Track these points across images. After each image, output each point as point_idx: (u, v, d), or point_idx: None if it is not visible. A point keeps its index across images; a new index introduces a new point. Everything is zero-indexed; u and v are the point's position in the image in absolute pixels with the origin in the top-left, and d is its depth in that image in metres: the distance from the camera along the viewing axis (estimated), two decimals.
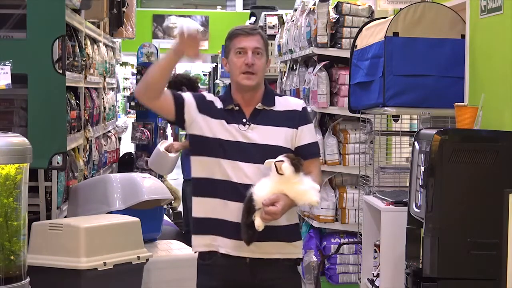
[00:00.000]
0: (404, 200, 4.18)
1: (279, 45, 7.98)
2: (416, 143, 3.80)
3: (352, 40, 5.58)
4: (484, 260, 3.47)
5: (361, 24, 5.75)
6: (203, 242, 3.16)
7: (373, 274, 4.74)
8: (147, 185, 5.10)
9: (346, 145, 6.07)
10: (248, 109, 3.17)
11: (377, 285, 4.53)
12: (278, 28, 8.49)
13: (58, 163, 4.66)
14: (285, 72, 7.71)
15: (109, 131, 7.81)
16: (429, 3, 4.95)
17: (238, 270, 3.12)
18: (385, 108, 4.66)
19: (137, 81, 11.43)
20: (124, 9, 8.34)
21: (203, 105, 3.16)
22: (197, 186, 3.19)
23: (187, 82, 5.69)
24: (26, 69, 4.37)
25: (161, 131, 10.85)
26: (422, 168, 3.65)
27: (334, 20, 6.12)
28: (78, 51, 5.58)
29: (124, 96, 19.08)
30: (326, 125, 6.30)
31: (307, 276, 6.12)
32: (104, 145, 7.33)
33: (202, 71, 22.22)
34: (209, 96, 3.24)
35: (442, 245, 3.51)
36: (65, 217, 5.17)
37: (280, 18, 8.59)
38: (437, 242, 3.51)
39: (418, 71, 4.62)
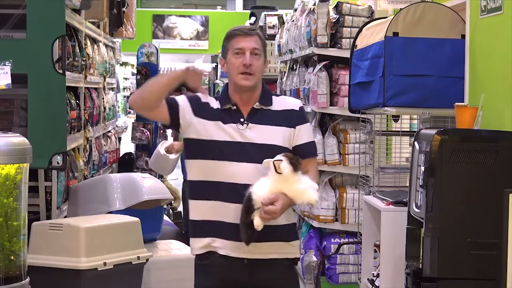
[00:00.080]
0: (404, 200, 4.18)
1: (279, 45, 7.98)
2: (416, 143, 3.80)
3: (352, 40, 5.58)
4: (484, 260, 3.47)
5: (361, 24, 5.75)
6: (201, 245, 3.15)
7: (373, 274, 4.74)
8: (147, 185, 5.10)
9: (346, 145, 6.08)
10: (246, 108, 3.16)
11: (377, 285, 4.53)
12: (278, 28, 8.49)
13: (58, 163, 4.66)
14: (285, 72, 7.71)
15: (109, 131, 7.81)
16: (429, 3, 4.95)
17: (236, 270, 3.12)
18: (385, 108, 4.66)
19: (137, 81, 11.44)
20: (124, 9, 8.34)
21: (198, 108, 3.15)
22: (195, 189, 3.18)
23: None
24: (26, 69, 4.37)
25: (161, 131, 10.85)
26: (422, 168, 3.65)
27: (334, 20, 6.13)
28: (78, 51, 5.58)
29: (124, 96, 19.08)
30: (326, 125, 6.30)
31: (307, 276, 6.12)
32: (104, 145, 7.33)
33: None
34: (204, 97, 3.23)
35: (442, 245, 3.52)
36: (65, 217, 5.17)
37: (280, 18, 8.59)
38: (437, 242, 3.52)
39: (418, 71, 4.62)
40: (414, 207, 3.76)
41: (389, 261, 4.27)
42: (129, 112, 17.91)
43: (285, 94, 7.22)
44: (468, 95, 4.55)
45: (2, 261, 3.38)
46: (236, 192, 3.04)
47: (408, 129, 5.65)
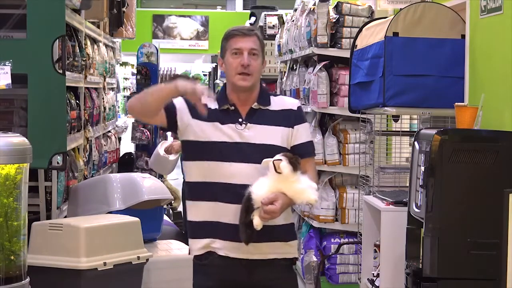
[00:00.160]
0: (404, 200, 4.18)
1: (279, 45, 7.98)
2: (416, 143, 3.80)
3: (352, 40, 5.58)
4: (484, 260, 3.47)
5: (361, 24, 5.75)
6: (200, 246, 3.15)
7: (373, 274, 4.74)
8: (147, 185, 5.10)
9: (346, 145, 6.08)
10: (244, 108, 3.16)
11: (377, 285, 4.53)
12: (278, 28, 8.49)
13: (58, 163, 4.66)
14: (285, 72, 7.71)
15: (109, 131, 7.81)
16: (429, 3, 4.95)
17: (235, 270, 3.12)
18: (385, 108, 4.66)
19: (137, 81, 11.44)
20: (124, 9, 8.34)
21: (196, 109, 3.13)
22: (193, 190, 3.17)
23: None
24: (26, 69, 4.37)
25: (161, 131, 10.85)
26: (422, 168, 3.65)
27: (334, 20, 6.13)
28: (78, 51, 5.58)
29: (124, 96, 19.06)
30: (326, 125, 6.30)
31: (307, 276, 6.12)
32: (104, 145, 7.33)
33: (202, 71, 22.22)
34: (203, 99, 3.22)
35: (442, 245, 3.52)
36: (65, 217, 5.17)
37: (280, 18, 8.59)
38: (437, 242, 3.52)
39: (418, 71, 4.62)
40: (414, 207, 3.76)
41: (389, 261, 4.27)
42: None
43: (285, 94, 7.23)
44: (468, 95, 4.55)
45: (2, 261, 3.38)
46: (235, 193, 3.04)
47: (408, 129, 5.65)
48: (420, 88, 4.62)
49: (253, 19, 10.68)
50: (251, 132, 3.12)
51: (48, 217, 4.88)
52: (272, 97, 3.23)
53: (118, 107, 14.23)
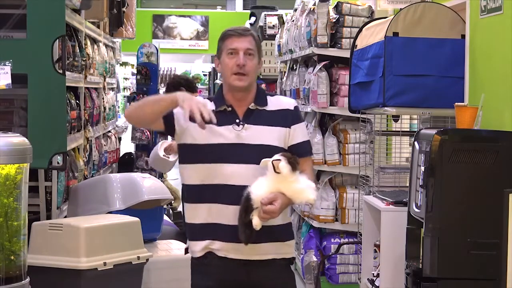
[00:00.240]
0: (404, 200, 4.18)
1: (279, 45, 7.98)
2: (416, 143, 3.80)
3: (352, 40, 5.58)
4: (484, 260, 3.47)
5: (361, 24, 5.75)
6: (200, 248, 3.15)
7: (373, 274, 4.74)
8: (147, 185, 5.10)
9: (346, 145, 6.08)
10: (241, 109, 3.16)
11: (377, 285, 4.53)
12: (278, 28, 8.49)
13: (58, 163, 4.66)
14: (285, 72, 7.71)
15: (109, 131, 7.81)
16: (429, 3, 4.95)
17: (234, 270, 3.12)
18: (385, 108, 4.66)
19: (137, 81, 11.44)
20: (124, 9, 8.34)
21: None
22: (191, 193, 3.17)
23: (186, 83, 5.68)
24: (26, 69, 4.37)
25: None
26: (422, 168, 3.65)
27: (334, 20, 6.13)
28: (78, 51, 5.58)
29: (124, 96, 19.07)
30: (326, 125, 6.30)
31: (307, 276, 6.13)
32: (104, 145, 7.33)
33: (202, 71, 22.23)
34: (199, 99, 3.22)
35: (442, 245, 3.52)
36: (65, 217, 5.17)
37: (280, 18, 8.59)
38: (437, 242, 3.52)
39: (418, 71, 4.62)
40: (414, 207, 3.76)
41: (389, 261, 4.27)
42: None
43: (285, 94, 7.23)
44: (468, 95, 4.55)
45: (2, 261, 3.38)
46: (233, 194, 3.04)
47: (408, 129, 5.65)
48: (420, 88, 4.62)
49: (253, 19, 10.69)
50: (249, 132, 3.11)
51: (48, 217, 4.88)
52: (268, 97, 3.23)
53: (118, 107, 14.23)
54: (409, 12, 4.67)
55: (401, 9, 4.87)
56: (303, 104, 6.47)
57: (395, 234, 4.12)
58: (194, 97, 3.05)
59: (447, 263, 3.52)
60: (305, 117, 6.68)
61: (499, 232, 3.04)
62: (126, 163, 9.24)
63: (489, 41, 4.33)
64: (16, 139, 3.44)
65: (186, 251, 3.30)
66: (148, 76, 11.19)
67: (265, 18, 9.74)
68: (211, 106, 3.15)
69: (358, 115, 5.39)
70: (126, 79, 20.71)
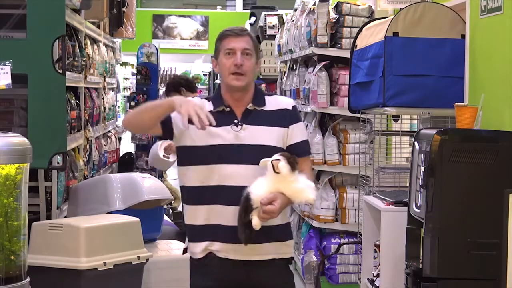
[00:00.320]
0: (404, 200, 4.18)
1: (279, 45, 7.98)
2: (416, 143, 3.80)
3: (352, 40, 5.58)
4: (484, 260, 3.47)
5: (361, 24, 5.75)
6: (201, 249, 3.15)
7: (373, 274, 4.74)
8: (147, 185, 5.10)
9: (346, 145, 6.08)
10: (239, 109, 3.16)
11: (377, 285, 4.53)
12: (278, 28, 8.49)
13: (58, 163, 4.66)
14: (285, 72, 7.71)
15: (109, 131, 7.81)
16: (429, 3, 4.95)
17: (234, 270, 3.12)
18: (385, 108, 4.66)
19: (137, 81, 11.44)
20: (124, 9, 8.34)
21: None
22: (191, 195, 3.16)
23: (185, 83, 5.69)
24: (26, 69, 4.37)
25: None
26: (422, 168, 3.65)
27: (334, 20, 6.13)
28: (78, 51, 5.58)
29: (124, 96, 19.07)
30: (326, 125, 6.30)
31: (307, 276, 6.13)
32: (104, 145, 7.33)
33: (202, 71, 22.23)
34: (196, 101, 3.22)
35: (442, 245, 3.52)
36: (65, 217, 5.17)
37: (280, 18, 8.59)
38: (437, 242, 3.52)
39: (418, 71, 4.62)
40: (414, 207, 3.76)
41: (389, 261, 4.27)
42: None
43: (285, 94, 7.23)
44: (468, 95, 4.55)
45: (2, 261, 3.38)
46: (232, 195, 3.04)
47: (408, 129, 5.66)
48: (420, 88, 4.62)
49: (253, 19, 10.68)
50: (247, 133, 3.11)
51: (48, 217, 4.89)
52: (266, 97, 3.23)
53: (118, 107, 14.24)
54: (409, 12, 4.67)
55: (401, 9, 4.87)
56: (303, 104, 6.47)
57: (395, 234, 4.12)
58: (190, 100, 3.05)
59: (447, 263, 3.52)
60: (305, 117, 6.68)
61: (499, 232, 3.04)
62: (126, 163, 9.24)
63: (489, 41, 4.33)
64: (16, 139, 3.44)
65: (184, 251, 3.30)
66: (148, 76, 11.20)
67: (265, 18, 9.74)
68: (209, 106, 3.15)
69: (358, 115, 5.39)
70: (126, 79, 20.71)
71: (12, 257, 3.41)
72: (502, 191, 3.04)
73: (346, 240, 6.07)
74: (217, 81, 14.27)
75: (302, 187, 3.02)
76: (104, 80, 7.16)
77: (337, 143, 6.14)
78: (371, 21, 5.42)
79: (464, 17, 4.64)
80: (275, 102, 3.22)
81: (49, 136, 4.46)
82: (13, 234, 3.41)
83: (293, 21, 7.08)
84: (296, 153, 3.11)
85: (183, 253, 3.29)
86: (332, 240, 6.18)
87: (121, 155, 9.18)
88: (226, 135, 3.10)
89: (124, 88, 19.80)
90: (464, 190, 3.55)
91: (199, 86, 19.24)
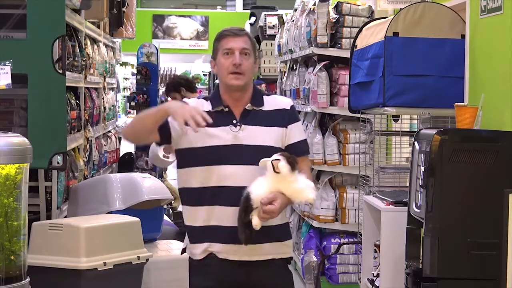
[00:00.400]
0: (404, 200, 4.18)
1: (279, 45, 7.98)
2: (416, 143, 3.80)
3: (352, 40, 5.58)
4: (484, 260, 3.47)
5: (361, 24, 5.75)
6: (201, 250, 3.15)
7: (373, 274, 4.74)
8: (147, 185, 5.10)
9: (346, 145, 6.08)
10: (238, 110, 3.16)
11: (377, 285, 4.53)
12: (278, 28, 8.49)
13: (58, 163, 4.66)
14: (285, 72, 7.71)
15: (109, 131, 7.80)
16: (429, 3, 4.95)
17: (234, 271, 3.13)
18: (385, 108, 4.66)
19: (137, 81, 11.43)
20: (124, 9, 8.33)
21: None
22: (190, 196, 3.16)
23: (185, 83, 5.70)
24: (26, 69, 4.37)
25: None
26: (422, 168, 3.65)
27: (334, 20, 6.13)
28: (78, 51, 5.58)
29: (124, 96, 19.07)
30: (326, 125, 6.30)
31: (307, 276, 6.13)
32: (104, 145, 7.33)
33: (202, 71, 22.23)
34: (193, 102, 3.22)
35: (442, 245, 3.52)
36: (65, 217, 5.17)
37: (280, 18, 8.59)
38: (437, 242, 3.52)
39: (418, 71, 4.62)
40: (414, 207, 3.76)
41: (389, 261, 4.27)
42: (129, 112, 17.90)
43: (285, 94, 7.23)
44: (468, 95, 4.55)
45: (2, 261, 3.38)
46: (232, 195, 3.04)
47: (408, 129, 5.66)
48: (420, 88, 4.62)
49: (253, 19, 10.68)
50: (246, 133, 3.11)
51: (48, 217, 4.88)
52: (265, 97, 3.23)
53: (118, 107, 14.24)
54: (409, 12, 4.67)
55: (401, 9, 4.87)
56: (303, 104, 6.47)
57: (395, 234, 4.12)
58: (185, 104, 3.06)
59: (447, 263, 3.52)
60: (305, 117, 6.68)
61: (499, 232, 3.04)
62: (126, 163, 9.23)
63: (489, 41, 4.33)
64: (16, 139, 3.44)
65: (183, 251, 3.30)
66: (148, 76, 11.20)
67: (265, 18, 9.74)
68: (207, 106, 3.15)
69: (358, 115, 5.39)
70: (126, 79, 20.70)
71: (12, 257, 3.41)
72: (502, 191, 3.04)
73: (346, 240, 6.07)
74: (217, 81, 14.28)
75: (302, 187, 3.02)
76: (104, 80, 7.16)
77: (337, 143, 6.14)
78: (371, 21, 5.42)
79: (464, 17, 4.64)
80: (273, 102, 3.22)
81: (49, 136, 4.46)
82: (13, 234, 3.41)
83: (293, 21, 7.09)
84: (295, 153, 3.11)
85: (182, 253, 3.29)
86: (332, 240, 6.18)
87: (121, 155, 9.18)
88: (225, 135, 3.10)
89: (124, 88, 19.79)
90: (464, 190, 3.55)
91: (199, 86, 19.23)
